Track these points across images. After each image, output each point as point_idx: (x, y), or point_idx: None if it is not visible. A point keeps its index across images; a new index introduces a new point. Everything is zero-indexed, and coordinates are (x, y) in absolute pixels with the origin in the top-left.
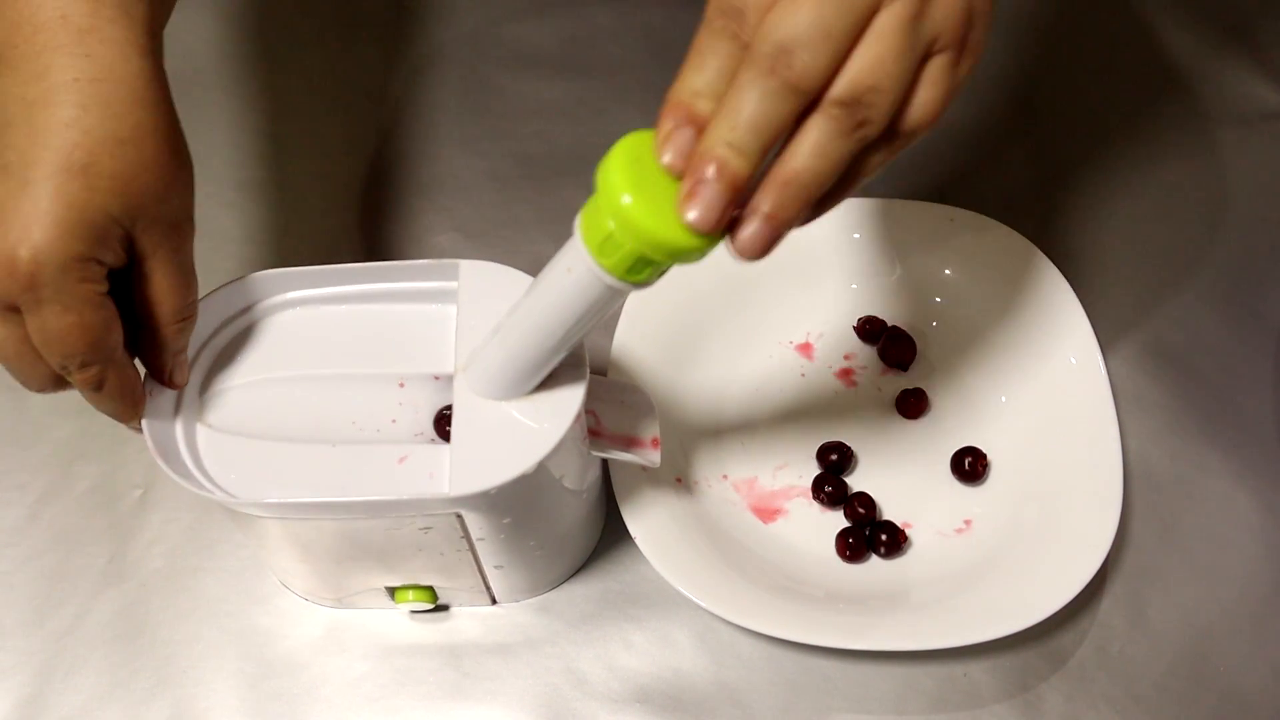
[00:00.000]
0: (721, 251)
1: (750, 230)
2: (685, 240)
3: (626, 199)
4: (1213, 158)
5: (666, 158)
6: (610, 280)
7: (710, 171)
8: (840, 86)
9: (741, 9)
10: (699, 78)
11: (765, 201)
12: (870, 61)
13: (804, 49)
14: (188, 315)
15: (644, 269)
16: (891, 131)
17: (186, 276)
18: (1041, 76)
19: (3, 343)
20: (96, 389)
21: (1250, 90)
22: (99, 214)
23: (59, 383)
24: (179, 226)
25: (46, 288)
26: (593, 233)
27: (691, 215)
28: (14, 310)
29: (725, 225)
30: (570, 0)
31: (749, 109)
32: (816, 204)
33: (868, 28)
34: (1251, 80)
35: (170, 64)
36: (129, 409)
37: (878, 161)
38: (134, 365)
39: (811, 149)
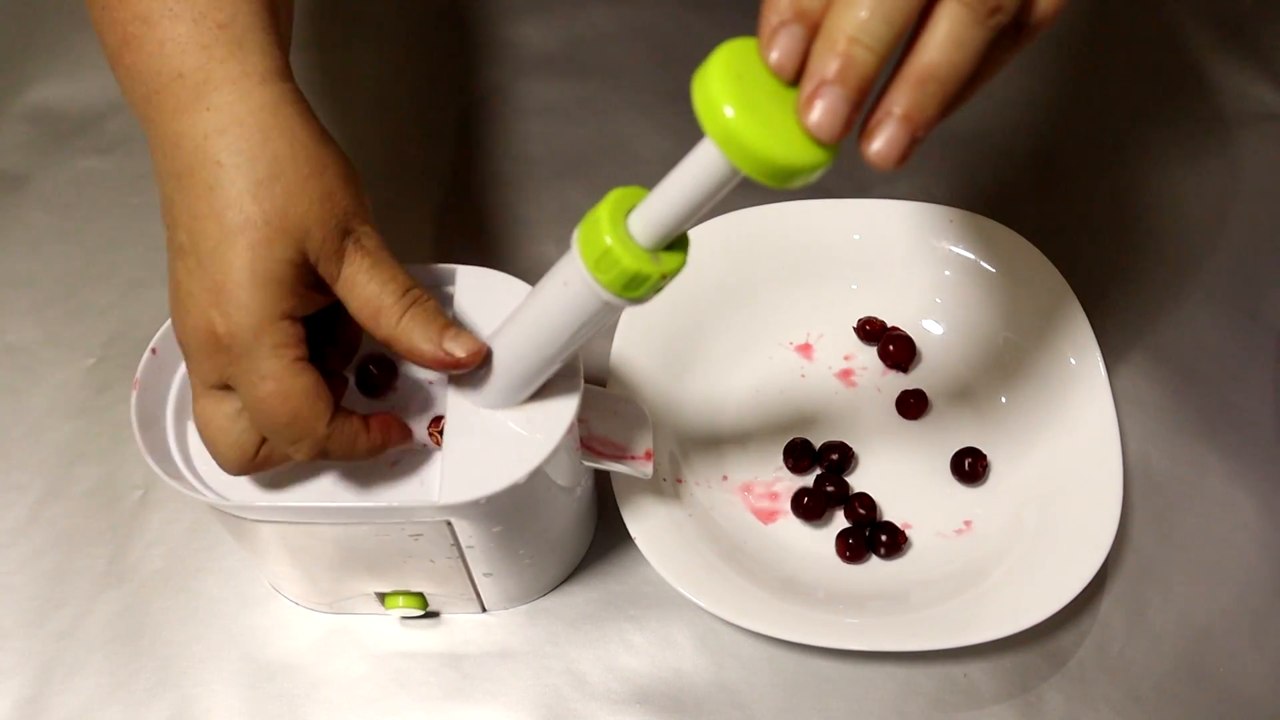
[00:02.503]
0: (721, 252)
1: (887, 135)
2: (800, 156)
3: (729, 111)
4: (1213, 158)
5: (774, 55)
6: (607, 296)
7: (834, 68)
8: None
9: None
10: None
11: (900, 101)
12: None
13: None
14: (409, 304)
15: (640, 285)
16: (1019, 23)
17: (383, 272)
18: (1042, 77)
19: (207, 419)
20: (322, 458)
21: (1250, 90)
22: (271, 264)
23: (255, 463)
24: (351, 233)
25: (244, 358)
26: (590, 248)
27: (814, 118)
28: (224, 388)
29: (848, 132)
30: (570, 0)
31: None
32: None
33: None
34: (1251, 80)
35: None
36: (368, 455)
37: (1008, 57)
38: (356, 418)
39: (947, 39)
